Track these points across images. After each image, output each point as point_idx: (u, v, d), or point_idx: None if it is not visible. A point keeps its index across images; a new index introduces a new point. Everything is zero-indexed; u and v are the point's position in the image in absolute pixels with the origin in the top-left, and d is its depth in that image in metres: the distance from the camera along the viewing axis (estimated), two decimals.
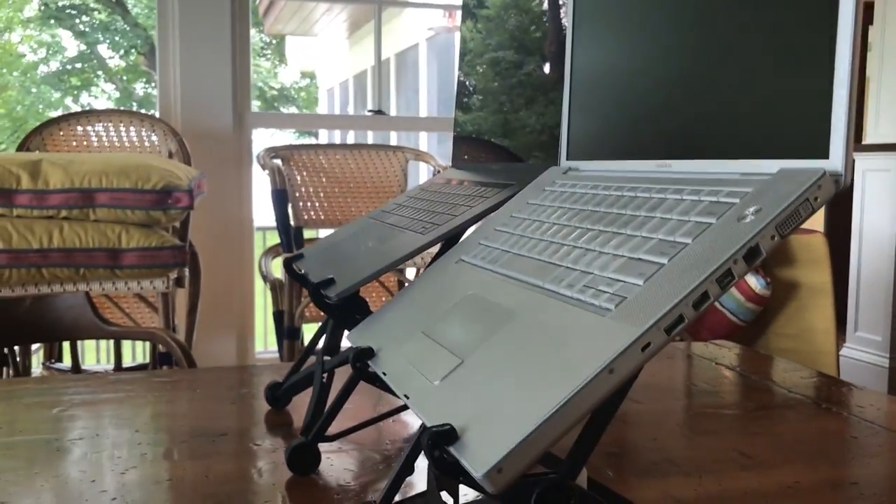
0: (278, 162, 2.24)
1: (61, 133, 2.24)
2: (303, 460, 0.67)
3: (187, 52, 2.44)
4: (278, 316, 2.10)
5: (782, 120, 0.44)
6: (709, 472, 0.66)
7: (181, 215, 1.91)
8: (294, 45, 10.55)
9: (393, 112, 5.77)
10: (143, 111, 2.42)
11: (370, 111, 2.75)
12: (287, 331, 2.07)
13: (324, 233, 2.40)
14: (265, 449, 0.70)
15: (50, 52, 11.85)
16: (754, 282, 2.43)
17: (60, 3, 11.30)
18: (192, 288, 2.24)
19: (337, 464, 0.69)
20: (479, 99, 0.95)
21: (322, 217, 2.38)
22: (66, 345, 2.32)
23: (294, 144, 2.37)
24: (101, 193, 1.82)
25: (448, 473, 0.40)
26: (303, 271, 0.80)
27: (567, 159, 0.69)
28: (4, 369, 1.53)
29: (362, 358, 0.58)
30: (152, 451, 0.70)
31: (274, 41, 11.18)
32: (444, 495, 0.55)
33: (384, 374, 0.54)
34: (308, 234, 2.39)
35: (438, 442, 0.40)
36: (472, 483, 0.42)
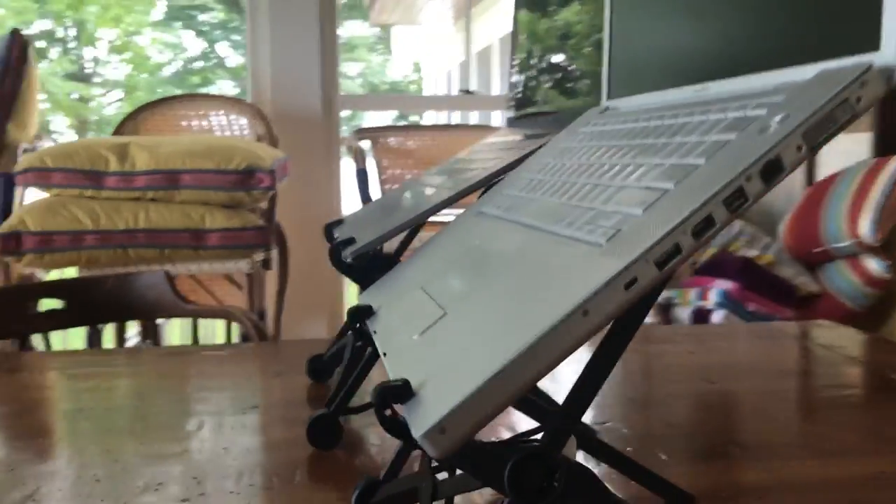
0: (362, 143, 2.22)
1: (154, 118, 2.29)
2: (323, 433, 0.62)
3: (277, 37, 2.44)
4: None
5: (823, 13, 0.36)
6: (780, 457, 0.57)
7: (264, 196, 1.90)
8: (400, 35, 10.61)
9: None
10: (233, 96, 2.44)
11: (460, 91, 2.69)
12: None
13: None
14: (294, 422, 0.65)
15: (174, 52, 12.34)
16: (873, 264, 2.24)
17: (182, 4, 11.75)
18: (281, 270, 2.24)
19: (363, 438, 0.63)
20: (586, 84, 0.87)
21: None
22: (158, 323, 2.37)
23: (381, 126, 2.34)
24: (185, 174, 1.83)
25: (397, 435, 0.34)
26: (337, 236, 0.75)
27: (607, 99, 0.61)
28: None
29: (359, 317, 0.53)
30: (177, 422, 0.66)
31: (382, 35, 11.31)
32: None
33: (374, 332, 0.48)
34: None
35: (387, 399, 0.34)
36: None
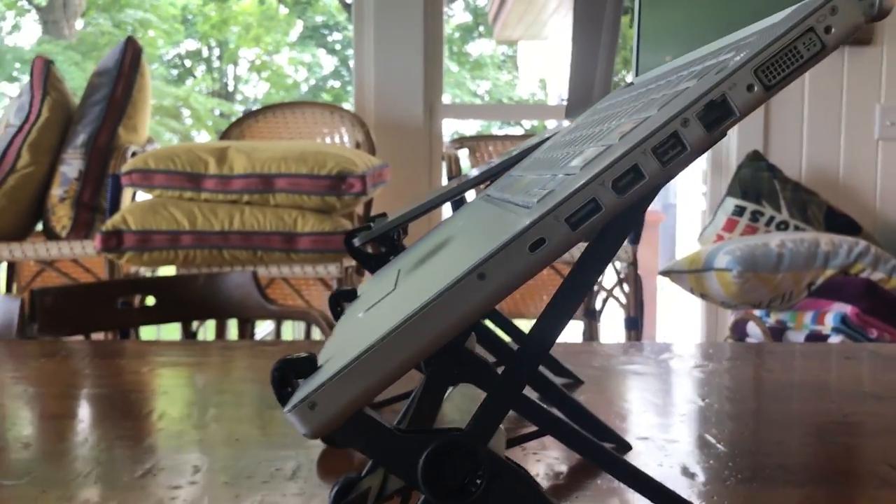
0: (457, 151, 2.20)
1: (258, 125, 2.35)
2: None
3: (381, 45, 2.46)
4: None
5: None
6: (830, 483, 0.50)
7: (355, 201, 1.91)
8: (525, 51, 10.57)
9: None
10: (333, 104, 2.47)
11: (562, 100, 2.63)
12: None
13: None
14: None
15: (309, 70, 12.74)
16: None
17: (317, 24, 12.14)
18: None
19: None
20: None
21: None
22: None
23: (482, 135, 2.32)
24: (279, 178, 1.86)
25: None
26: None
27: (636, 76, 0.56)
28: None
29: (339, 299, 0.50)
30: (200, 413, 0.65)
31: (511, 53, 11.31)
32: None
33: (339, 311, 0.45)
34: None
35: (285, 374, 0.30)
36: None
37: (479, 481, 0.31)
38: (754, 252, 2.04)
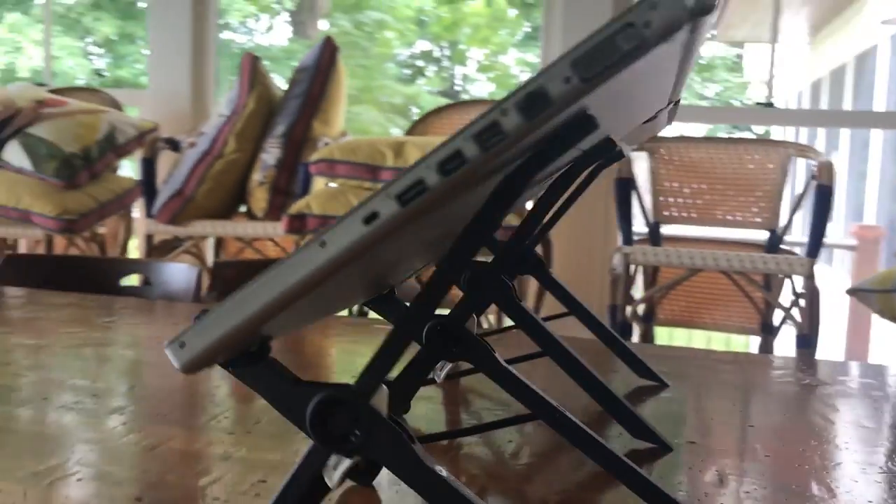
0: (635, 153, 2.16)
1: (441, 121, 2.44)
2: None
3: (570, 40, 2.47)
4: (612, 310, 2.02)
5: None
6: None
7: None
8: (752, 53, 10.05)
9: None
10: None
11: (758, 103, 2.51)
12: (619, 328, 1.99)
13: (684, 229, 2.26)
14: None
15: (532, 70, 12.90)
16: None
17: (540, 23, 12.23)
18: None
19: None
20: None
21: (684, 214, 2.23)
22: None
23: (663, 137, 2.26)
24: None
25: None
26: None
27: None
28: None
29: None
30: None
31: (738, 55, 10.81)
32: None
33: None
34: (667, 230, 2.26)
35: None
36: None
37: (358, 433, 0.34)
38: None
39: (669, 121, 0.71)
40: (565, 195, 0.62)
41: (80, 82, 8.58)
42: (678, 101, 0.58)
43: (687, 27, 0.28)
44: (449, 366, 0.57)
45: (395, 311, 0.53)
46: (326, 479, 0.36)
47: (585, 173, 0.79)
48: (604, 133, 0.47)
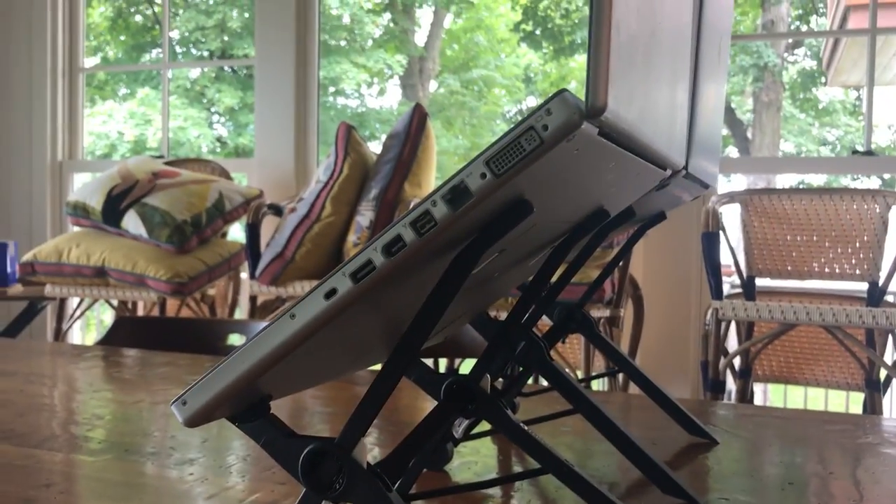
0: (719, 206, 2.14)
1: None
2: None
3: None
4: (703, 366, 1.99)
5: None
6: None
7: (603, 254, 1.96)
8: (875, 96, 9.68)
9: None
10: None
11: (854, 152, 2.44)
12: (711, 384, 1.96)
13: (779, 283, 2.21)
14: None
15: None
16: None
17: None
18: (635, 328, 2.26)
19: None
20: None
21: (779, 266, 2.19)
22: None
23: (753, 189, 2.24)
24: None
25: None
26: None
27: None
28: None
29: None
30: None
31: (858, 97, 10.43)
32: None
33: None
34: (763, 282, 2.22)
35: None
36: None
37: (342, 481, 0.39)
38: None
39: (704, 185, 0.74)
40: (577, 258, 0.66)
41: (205, 150, 9.12)
42: (685, 170, 0.61)
43: (592, 127, 0.33)
44: (466, 422, 0.61)
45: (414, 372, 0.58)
46: None
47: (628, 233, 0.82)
48: (592, 206, 0.51)
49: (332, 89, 9.30)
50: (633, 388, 2.06)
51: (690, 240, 2.46)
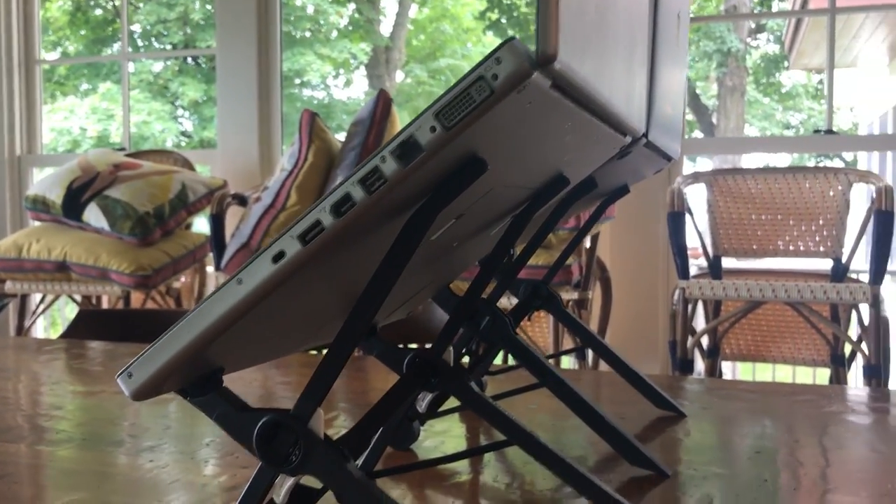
0: (684, 186, 2.16)
1: None
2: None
3: None
4: (671, 345, 2.00)
5: None
6: None
7: (568, 235, 1.96)
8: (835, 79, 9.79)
9: None
10: None
11: (816, 131, 2.46)
12: (679, 363, 1.97)
13: (745, 263, 2.22)
14: None
15: None
16: None
17: None
18: (603, 310, 2.27)
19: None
20: None
21: (745, 245, 2.21)
22: None
23: (718, 169, 2.25)
24: None
25: None
26: None
27: None
28: None
29: None
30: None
31: (821, 81, 10.54)
32: None
33: None
34: (729, 263, 2.23)
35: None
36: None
37: (298, 452, 0.38)
38: None
39: (667, 157, 0.73)
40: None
41: (170, 144, 9.00)
42: (646, 138, 0.61)
43: (544, 78, 0.32)
44: (430, 396, 0.60)
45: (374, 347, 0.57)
46: (275, 498, 0.40)
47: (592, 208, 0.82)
48: (554, 172, 0.50)
49: (297, 80, 9.23)
50: (603, 367, 2.07)
51: (657, 221, 2.47)
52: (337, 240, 0.33)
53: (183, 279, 2.67)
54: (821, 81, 10.35)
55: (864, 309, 1.95)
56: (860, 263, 2.16)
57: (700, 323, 2.23)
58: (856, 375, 2.20)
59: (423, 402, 0.59)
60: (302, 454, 0.38)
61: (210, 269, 2.68)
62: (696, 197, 2.28)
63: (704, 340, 2.20)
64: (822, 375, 2.37)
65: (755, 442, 0.71)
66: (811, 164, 5.53)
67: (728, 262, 2.24)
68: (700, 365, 2.20)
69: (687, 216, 2.11)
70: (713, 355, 2.21)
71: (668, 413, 0.83)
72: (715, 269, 2.21)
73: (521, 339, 0.68)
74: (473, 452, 0.61)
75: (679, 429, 0.77)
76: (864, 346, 1.95)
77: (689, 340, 1.99)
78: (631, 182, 0.86)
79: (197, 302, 2.64)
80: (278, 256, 0.33)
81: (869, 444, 0.70)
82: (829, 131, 2.47)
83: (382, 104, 2.34)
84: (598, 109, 0.40)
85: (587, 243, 2.15)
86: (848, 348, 2.13)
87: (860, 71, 8.38)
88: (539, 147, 0.40)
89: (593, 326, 2.26)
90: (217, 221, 2.37)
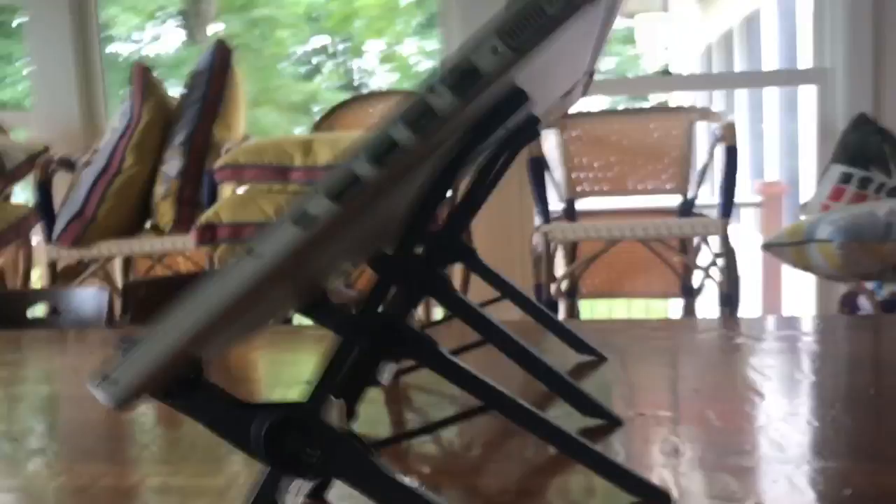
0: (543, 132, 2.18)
1: (347, 116, 2.40)
2: None
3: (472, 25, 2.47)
4: (537, 289, 2.03)
5: None
6: None
7: None
8: (645, 24, 10.27)
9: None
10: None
11: (657, 72, 2.55)
12: (546, 305, 2.00)
13: (597, 203, 2.29)
14: None
15: (433, 58, 12.83)
16: None
17: (435, 10, 12.20)
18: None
19: None
20: None
21: (597, 187, 2.26)
22: None
23: (568, 114, 2.28)
24: None
25: None
26: None
27: None
28: None
29: None
30: None
31: (630, 27, 10.99)
32: None
33: None
34: (582, 204, 2.28)
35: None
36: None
37: (312, 451, 0.32)
38: (859, 221, 1.92)
39: (584, 93, 0.70)
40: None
41: None
42: (593, 73, 0.58)
43: None
44: (391, 364, 0.55)
45: (333, 318, 0.50)
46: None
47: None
48: (526, 110, 0.45)
49: (102, 34, 8.58)
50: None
51: (511, 169, 2.48)
52: (378, 192, 0.27)
53: (1, 258, 2.42)
54: (630, 27, 10.81)
55: (714, 242, 2.05)
56: (705, 198, 2.27)
57: (558, 266, 2.27)
58: (704, 305, 2.33)
59: (385, 372, 0.54)
60: (321, 453, 0.32)
61: (37, 240, 2.44)
62: (547, 142, 2.30)
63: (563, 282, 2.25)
64: (674, 307, 2.49)
65: (687, 381, 0.71)
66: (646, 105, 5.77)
67: (581, 205, 2.29)
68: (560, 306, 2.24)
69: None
70: (572, 296, 2.26)
71: (590, 357, 0.82)
72: (570, 212, 2.25)
73: (461, 296, 0.63)
74: (454, 420, 0.57)
75: (608, 373, 0.76)
76: (714, 275, 2.05)
77: (553, 284, 2.03)
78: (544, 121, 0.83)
79: (24, 280, 2.40)
80: (303, 218, 0.27)
81: (796, 364, 0.71)
82: (666, 72, 2.55)
83: (221, 55, 2.19)
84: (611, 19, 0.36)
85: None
86: (696, 282, 2.24)
87: (671, 16, 8.81)
88: (551, 75, 0.36)
89: (456, 280, 2.25)
90: (44, 190, 2.15)
